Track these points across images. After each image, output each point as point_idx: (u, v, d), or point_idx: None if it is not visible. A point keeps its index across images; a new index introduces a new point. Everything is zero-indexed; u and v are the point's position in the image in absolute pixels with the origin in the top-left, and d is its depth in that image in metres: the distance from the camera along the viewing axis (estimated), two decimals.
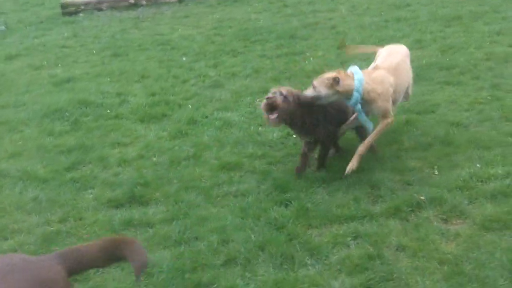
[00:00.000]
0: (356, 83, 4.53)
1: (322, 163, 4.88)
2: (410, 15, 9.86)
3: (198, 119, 6.17)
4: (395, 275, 3.52)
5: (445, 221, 4.04)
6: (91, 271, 3.72)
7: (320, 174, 4.74)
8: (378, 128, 4.67)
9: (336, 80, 4.49)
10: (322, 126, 4.69)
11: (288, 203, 4.37)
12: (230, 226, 4.10)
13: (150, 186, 4.80)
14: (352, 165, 4.59)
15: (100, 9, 12.94)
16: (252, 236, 3.97)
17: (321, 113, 4.66)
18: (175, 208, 4.42)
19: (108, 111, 6.64)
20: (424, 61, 7.28)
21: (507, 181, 4.38)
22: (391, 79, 4.71)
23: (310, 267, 3.65)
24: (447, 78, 6.68)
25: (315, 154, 4.92)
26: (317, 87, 4.54)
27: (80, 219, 4.40)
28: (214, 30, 10.41)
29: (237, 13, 11.57)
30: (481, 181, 4.44)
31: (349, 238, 3.91)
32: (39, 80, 8.30)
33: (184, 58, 8.67)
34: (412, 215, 4.14)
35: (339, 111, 4.80)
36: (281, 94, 4.53)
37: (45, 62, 9.27)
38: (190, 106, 6.60)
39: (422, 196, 4.27)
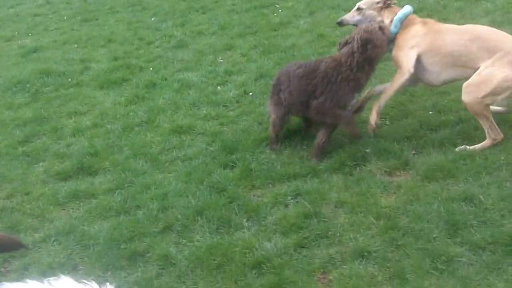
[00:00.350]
0: (396, 18, 4.29)
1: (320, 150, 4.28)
2: None
3: (157, 82, 6.06)
4: (330, 233, 3.46)
5: (389, 173, 3.95)
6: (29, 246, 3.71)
7: (267, 133, 4.62)
8: (392, 82, 4.32)
9: (386, 3, 4.33)
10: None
11: (233, 164, 4.29)
12: (172, 192, 4.04)
13: (100, 155, 4.74)
14: (371, 123, 4.30)
15: None
16: (193, 201, 3.92)
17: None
18: (121, 177, 4.36)
19: (70, 79, 6.54)
20: None
21: (457, 128, 4.26)
22: (418, 32, 4.22)
23: (246, 230, 3.59)
24: None
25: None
26: (364, 9, 4.39)
27: (27, 194, 4.36)
28: None
29: None
30: (431, 129, 4.33)
31: (289, 197, 3.83)
32: (9, 52, 8.19)
33: (152, 19, 8.49)
34: (357, 169, 4.05)
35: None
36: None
37: (16, 32, 9.14)
38: (151, 68, 6.47)
39: (367, 149, 4.17)
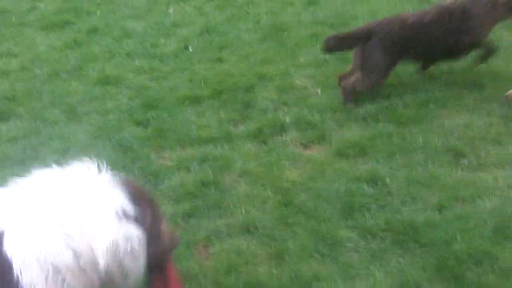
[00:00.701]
0: None
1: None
2: None
3: (100, 28, 5.76)
4: (224, 203, 3.26)
5: (304, 145, 3.74)
6: None
7: (194, 92, 4.39)
8: None
9: None
10: None
11: (148, 123, 4.07)
12: (75, 147, 3.82)
13: (18, 101, 4.50)
14: None
15: None
16: (93, 158, 3.69)
17: None
18: (30, 125, 4.14)
19: (14, 18, 6.22)
20: None
21: (386, 104, 4.02)
22: None
23: None
24: None
25: None
26: None
27: None
28: None
29: None
30: (359, 103, 4.08)
31: (195, 163, 3.62)
32: None
33: None
34: (273, 138, 3.82)
35: None
36: None
37: None
38: (98, 13, 6.16)
39: (287, 118, 3.94)
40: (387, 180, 3.28)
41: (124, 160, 3.66)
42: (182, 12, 6.06)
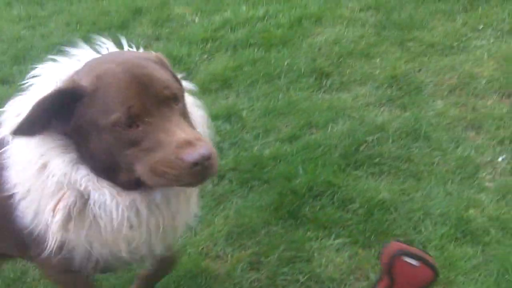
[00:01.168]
0: None
1: None
2: None
3: None
4: None
5: None
6: None
7: (66, 37, 4.11)
8: None
9: None
10: None
11: (14, 79, 3.84)
12: None
13: None
14: None
15: None
16: None
17: None
18: None
19: None
20: None
21: (259, 26, 3.74)
22: None
23: None
24: None
25: None
26: None
27: None
28: None
29: None
30: (232, 28, 3.81)
31: None
32: None
33: None
34: None
35: None
36: None
37: None
38: None
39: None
40: (244, 113, 3.08)
41: None
42: None
